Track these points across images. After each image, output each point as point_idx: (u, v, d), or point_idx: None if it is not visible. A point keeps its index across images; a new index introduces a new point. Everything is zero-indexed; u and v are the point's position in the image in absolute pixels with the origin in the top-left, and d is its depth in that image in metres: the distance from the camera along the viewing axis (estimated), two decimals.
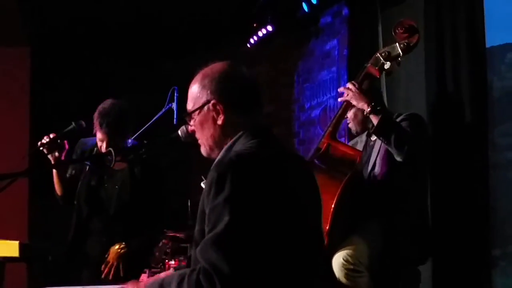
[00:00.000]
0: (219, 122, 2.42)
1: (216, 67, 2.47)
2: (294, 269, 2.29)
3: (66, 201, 4.44)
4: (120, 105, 4.34)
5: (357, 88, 4.12)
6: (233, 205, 2.17)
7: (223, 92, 2.41)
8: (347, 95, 4.16)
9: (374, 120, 4.05)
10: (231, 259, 2.12)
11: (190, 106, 2.49)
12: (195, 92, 2.46)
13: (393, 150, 3.98)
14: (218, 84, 2.42)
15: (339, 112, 4.26)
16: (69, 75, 7.18)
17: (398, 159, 3.98)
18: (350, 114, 4.32)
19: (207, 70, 2.48)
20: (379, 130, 4.00)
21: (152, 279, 2.34)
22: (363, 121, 4.31)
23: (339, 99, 4.27)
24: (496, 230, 4.36)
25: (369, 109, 4.06)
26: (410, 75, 5.04)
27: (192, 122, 2.50)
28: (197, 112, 2.46)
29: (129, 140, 4.45)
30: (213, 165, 2.31)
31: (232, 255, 2.12)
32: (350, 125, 4.43)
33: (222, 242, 2.14)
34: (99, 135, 4.32)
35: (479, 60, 4.47)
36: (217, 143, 2.46)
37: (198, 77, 2.48)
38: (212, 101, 2.42)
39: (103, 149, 4.27)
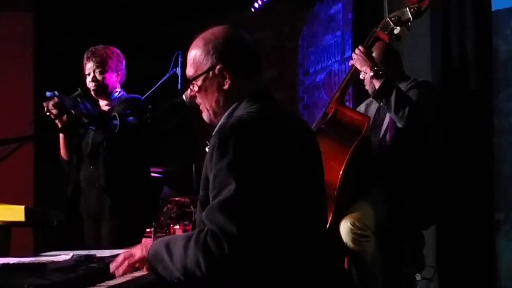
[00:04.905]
0: (225, 87, 2.42)
1: (217, 31, 2.45)
2: (300, 230, 2.32)
3: (71, 167, 4.46)
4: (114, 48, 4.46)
5: (362, 52, 4.11)
6: (237, 169, 2.19)
7: (229, 57, 2.41)
8: (354, 58, 4.15)
9: (377, 84, 4.04)
10: (239, 221, 2.13)
11: (191, 72, 2.48)
12: (198, 57, 2.45)
13: (393, 116, 3.99)
14: (224, 48, 2.41)
15: (347, 77, 4.26)
16: (72, 40, 7.14)
17: (399, 125, 3.98)
18: (366, 77, 4.32)
19: (208, 35, 2.46)
20: (378, 94, 4.00)
21: (158, 239, 2.36)
22: None
23: (350, 63, 4.26)
24: (500, 194, 4.37)
25: (371, 73, 4.06)
26: (414, 39, 5.01)
27: (194, 88, 2.49)
28: (201, 77, 2.45)
29: (120, 90, 4.47)
30: (215, 130, 2.33)
31: (239, 217, 2.14)
32: (366, 87, 4.41)
33: (228, 205, 2.16)
34: (88, 66, 4.39)
35: (484, 24, 4.44)
36: (222, 108, 2.45)
37: (198, 42, 2.46)
38: (218, 66, 2.41)
39: (91, 86, 4.36)
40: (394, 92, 3.96)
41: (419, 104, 3.99)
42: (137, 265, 2.37)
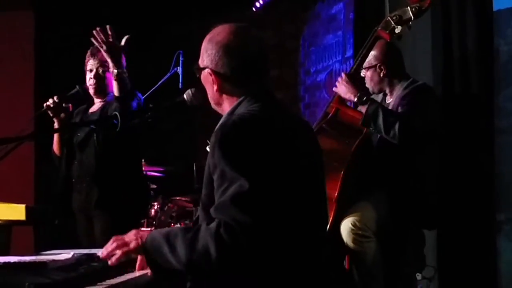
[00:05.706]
0: (215, 89, 2.47)
1: (222, 34, 2.45)
2: (300, 230, 2.35)
3: (62, 162, 4.47)
4: None
5: (344, 80, 4.13)
6: (242, 164, 2.21)
7: (219, 65, 2.44)
8: (337, 86, 4.18)
9: (363, 109, 4.05)
10: (252, 213, 2.15)
11: (200, 60, 2.53)
12: (203, 49, 2.50)
13: (385, 137, 3.99)
14: (216, 56, 2.44)
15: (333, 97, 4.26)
16: (73, 39, 7.14)
17: (395, 142, 3.97)
18: (367, 75, 4.30)
19: (215, 34, 2.47)
20: (366, 119, 3.99)
21: (153, 231, 2.34)
22: (380, 82, 4.29)
23: (334, 89, 4.27)
24: (501, 194, 4.37)
25: (355, 100, 4.08)
26: (415, 39, 5.00)
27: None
28: (200, 70, 2.52)
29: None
30: (216, 128, 2.34)
31: (252, 209, 2.16)
32: (367, 85, 4.41)
33: (240, 199, 2.17)
34: (90, 62, 4.40)
35: (486, 24, 4.44)
36: (217, 104, 2.53)
37: (208, 36, 2.50)
38: (207, 70, 2.46)
39: (91, 83, 4.38)
40: (381, 114, 3.96)
41: (414, 111, 3.98)
42: (127, 257, 2.36)
